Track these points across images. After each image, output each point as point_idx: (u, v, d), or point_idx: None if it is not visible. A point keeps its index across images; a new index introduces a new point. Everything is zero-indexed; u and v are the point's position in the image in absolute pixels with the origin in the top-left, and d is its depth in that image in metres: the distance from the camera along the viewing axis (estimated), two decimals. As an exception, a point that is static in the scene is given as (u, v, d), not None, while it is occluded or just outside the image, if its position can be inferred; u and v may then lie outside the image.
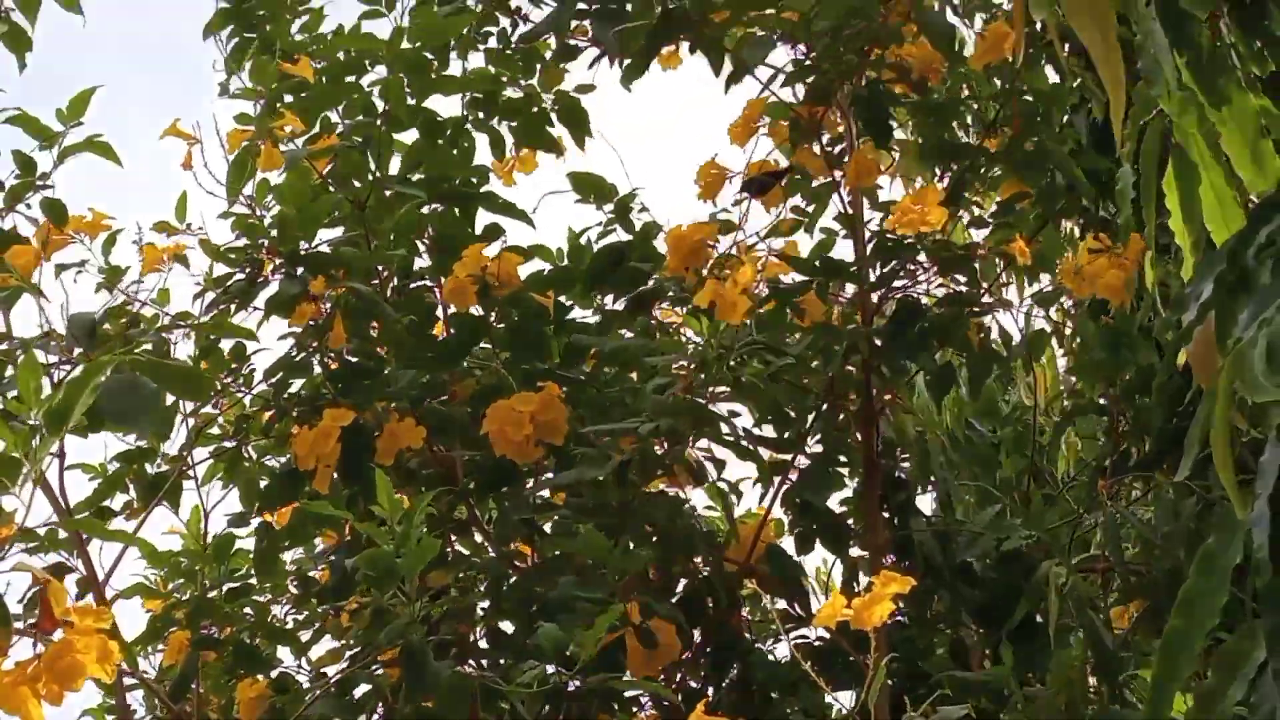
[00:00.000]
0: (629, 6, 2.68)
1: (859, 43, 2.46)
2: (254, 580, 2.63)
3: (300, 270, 2.35)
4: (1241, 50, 1.50)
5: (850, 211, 2.63)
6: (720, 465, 2.54)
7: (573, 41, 2.85)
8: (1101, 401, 2.83)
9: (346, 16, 3.11)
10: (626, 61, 2.67)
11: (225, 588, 2.60)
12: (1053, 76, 2.68)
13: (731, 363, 2.46)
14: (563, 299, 2.65)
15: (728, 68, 2.56)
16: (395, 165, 2.65)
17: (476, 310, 2.54)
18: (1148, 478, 2.75)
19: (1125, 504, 2.75)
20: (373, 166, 2.51)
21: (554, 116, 2.93)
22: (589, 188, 2.74)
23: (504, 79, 2.88)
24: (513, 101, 2.87)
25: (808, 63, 2.53)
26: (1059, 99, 2.57)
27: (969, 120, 2.69)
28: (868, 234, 2.61)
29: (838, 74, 2.49)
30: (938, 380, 2.59)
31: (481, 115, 2.80)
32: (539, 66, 2.93)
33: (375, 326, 2.53)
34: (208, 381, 2.42)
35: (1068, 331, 2.91)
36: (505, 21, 2.95)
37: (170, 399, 1.67)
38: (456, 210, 2.69)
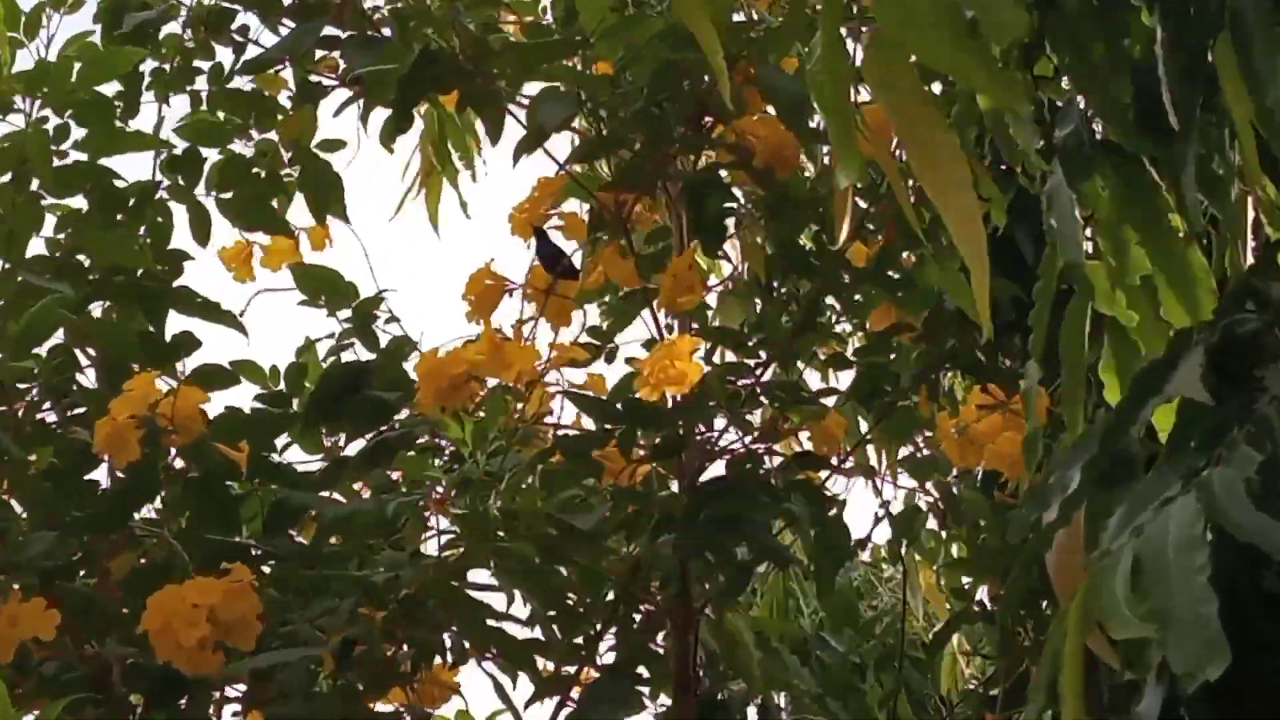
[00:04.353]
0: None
1: (685, 109, 1.83)
2: None
3: None
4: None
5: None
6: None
7: (317, 78, 2.16)
8: (989, 605, 2.15)
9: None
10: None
11: None
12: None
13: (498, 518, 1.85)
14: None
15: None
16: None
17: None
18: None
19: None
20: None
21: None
22: (319, 285, 2.06)
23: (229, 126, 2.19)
24: (235, 159, 2.18)
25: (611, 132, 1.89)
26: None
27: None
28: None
29: (657, 151, 1.86)
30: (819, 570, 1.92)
31: (181, 181, 2.10)
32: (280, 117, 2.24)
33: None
34: None
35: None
36: (226, 55, 2.23)
37: None
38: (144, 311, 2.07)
